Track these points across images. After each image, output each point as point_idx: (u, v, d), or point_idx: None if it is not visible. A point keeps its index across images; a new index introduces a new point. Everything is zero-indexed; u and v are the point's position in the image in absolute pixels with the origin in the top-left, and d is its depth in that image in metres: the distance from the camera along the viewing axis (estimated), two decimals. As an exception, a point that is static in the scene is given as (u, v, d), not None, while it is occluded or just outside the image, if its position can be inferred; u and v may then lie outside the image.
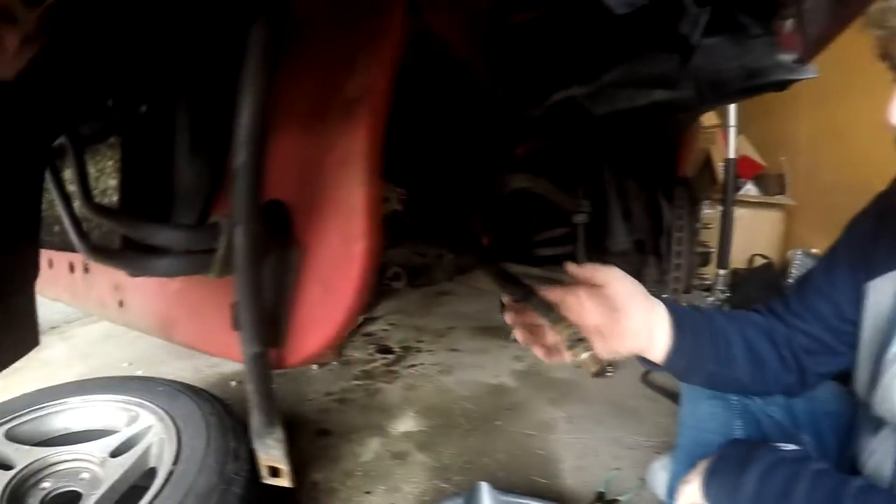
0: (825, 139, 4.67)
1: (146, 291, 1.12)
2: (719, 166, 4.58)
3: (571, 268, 1.20)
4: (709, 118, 4.66)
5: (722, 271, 3.86)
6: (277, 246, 0.84)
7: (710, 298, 3.79)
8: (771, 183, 5.27)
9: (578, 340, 1.08)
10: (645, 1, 1.16)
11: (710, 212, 4.53)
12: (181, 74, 0.95)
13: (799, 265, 4.41)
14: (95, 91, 1.00)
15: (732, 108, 3.81)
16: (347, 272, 0.80)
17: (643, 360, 1.23)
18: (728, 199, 3.61)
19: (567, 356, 1.13)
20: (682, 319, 1.21)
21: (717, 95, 1.56)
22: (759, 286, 4.03)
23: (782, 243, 5.01)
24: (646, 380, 2.92)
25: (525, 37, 1.56)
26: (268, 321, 0.79)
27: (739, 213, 4.60)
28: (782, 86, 1.55)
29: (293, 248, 0.85)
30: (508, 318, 1.24)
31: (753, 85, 1.51)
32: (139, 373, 2.94)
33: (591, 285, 1.17)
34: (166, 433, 1.75)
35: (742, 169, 5.34)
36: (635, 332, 1.15)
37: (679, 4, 1.41)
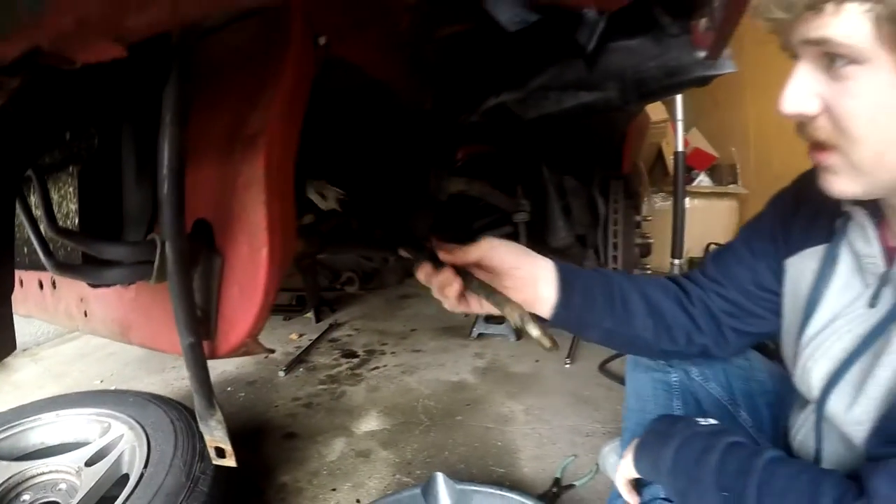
0: (772, 129, 4.70)
1: (107, 301, 1.24)
2: (671, 159, 4.67)
3: (445, 257, 1.23)
4: (658, 113, 4.68)
5: (676, 261, 3.94)
6: (204, 256, 0.99)
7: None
8: (724, 173, 5.39)
9: (527, 319, 1.11)
10: (535, 17, 1.24)
11: (663, 204, 4.66)
12: (123, 114, 1.08)
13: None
14: (53, 129, 1.14)
15: (679, 103, 3.83)
16: (255, 275, 0.94)
17: (541, 319, 1.24)
18: (678, 191, 3.70)
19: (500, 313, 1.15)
20: (571, 276, 1.25)
21: (641, 94, 1.61)
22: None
23: (737, 231, 5.05)
24: (603, 369, 2.96)
25: (454, 49, 1.61)
26: (198, 317, 0.93)
27: (694, 203, 4.70)
28: (703, 82, 1.59)
29: (216, 257, 0.98)
30: (421, 275, 1.25)
31: (674, 82, 1.57)
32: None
33: (471, 264, 1.23)
34: (137, 440, 1.82)
35: (695, 161, 5.45)
36: (519, 288, 1.21)
37: (575, 16, 1.48)
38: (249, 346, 1.00)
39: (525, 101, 1.71)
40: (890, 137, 0.82)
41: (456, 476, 1.78)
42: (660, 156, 5.39)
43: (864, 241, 1.03)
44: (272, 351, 3.13)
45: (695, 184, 5.29)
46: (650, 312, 1.29)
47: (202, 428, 1.08)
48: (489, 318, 3.49)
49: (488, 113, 1.76)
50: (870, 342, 0.98)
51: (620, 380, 2.77)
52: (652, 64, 1.56)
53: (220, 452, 1.09)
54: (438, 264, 1.21)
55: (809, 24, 0.81)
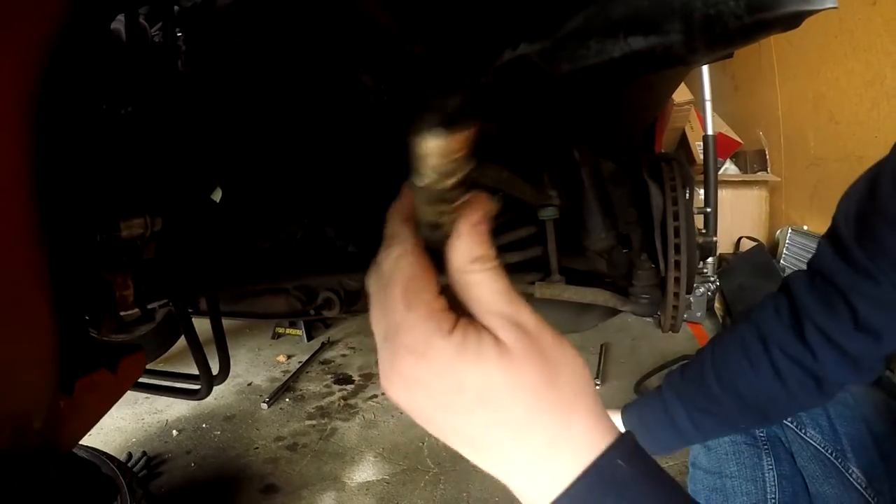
0: (804, 109, 4.39)
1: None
2: (696, 145, 4.36)
3: None
4: (681, 94, 4.43)
5: (709, 259, 3.57)
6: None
7: (700, 290, 3.48)
8: (750, 160, 5.12)
9: None
10: None
11: (688, 194, 4.31)
12: None
13: (790, 245, 4.14)
14: None
15: (706, 82, 3.60)
16: None
17: None
18: (710, 180, 3.30)
19: None
20: None
21: (712, 39, 1.21)
22: (751, 271, 3.77)
23: (769, 223, 4.76)
24: (639, 391, 2.66)
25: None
26: None
27: (720, 194, 4.41)
28: (794, 20, 1.21)
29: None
30: None
31: (758, 21, 1.17)
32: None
33: None
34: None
35: (718, 147, 5.15)
36: None
37: None
38: None
39: (555, 51, 1.28)
40: None
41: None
42: (682, 142, 5.06)
43: None
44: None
45: (719, 172, 4.97)
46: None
47: None
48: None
49: (503, 71, 1.32)
50: None
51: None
52: (730, -5, 1.16)
53: None
54: None
55: None
